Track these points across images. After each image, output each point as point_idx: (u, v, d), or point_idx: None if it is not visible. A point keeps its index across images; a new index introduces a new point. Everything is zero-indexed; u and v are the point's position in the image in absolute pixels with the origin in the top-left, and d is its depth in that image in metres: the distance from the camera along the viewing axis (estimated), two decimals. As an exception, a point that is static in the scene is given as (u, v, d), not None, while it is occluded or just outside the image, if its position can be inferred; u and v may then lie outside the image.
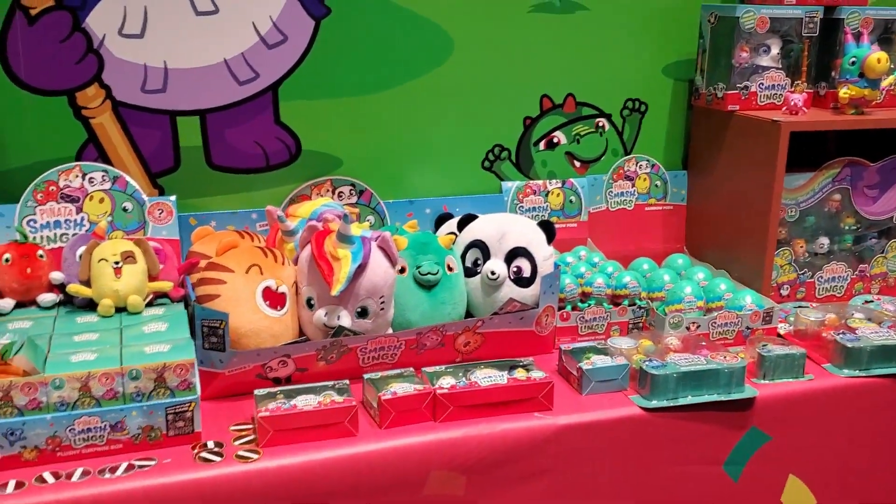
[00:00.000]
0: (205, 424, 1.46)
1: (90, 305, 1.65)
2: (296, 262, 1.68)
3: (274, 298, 1.61)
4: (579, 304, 1.87)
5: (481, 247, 1.79)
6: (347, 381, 1.55)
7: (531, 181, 2.16)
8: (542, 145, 2.18)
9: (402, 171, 2.08)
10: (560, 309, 1.81)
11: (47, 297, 1.67)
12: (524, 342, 1.75)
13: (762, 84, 2.04)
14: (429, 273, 1.70)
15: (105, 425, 1.37)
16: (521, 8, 2.06)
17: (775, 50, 2.05)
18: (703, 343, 1.72)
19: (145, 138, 1.88)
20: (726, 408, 1.61)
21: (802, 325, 1.86)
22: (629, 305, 1.85)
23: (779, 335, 1.85)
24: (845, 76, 1.98)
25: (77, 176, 1.80)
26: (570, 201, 2.18)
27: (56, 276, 1.68)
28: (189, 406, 1.42)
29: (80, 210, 1.80)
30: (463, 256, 1.80)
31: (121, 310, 1.63)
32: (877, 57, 1.94)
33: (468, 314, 1.79)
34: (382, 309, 1.65)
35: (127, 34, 1.81)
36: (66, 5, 1.76)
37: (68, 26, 1.77)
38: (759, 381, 1.69)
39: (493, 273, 1.75)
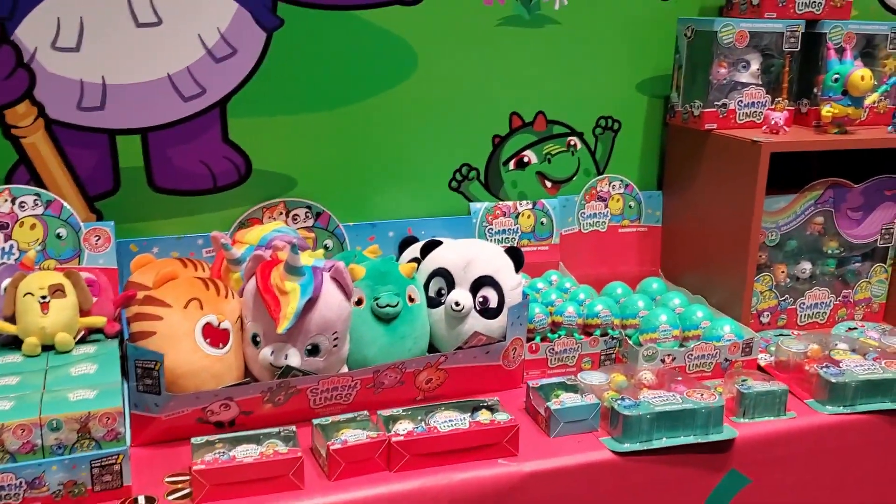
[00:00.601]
0: (137, 476, 1.37)
1: (15, 343, 1.53)
2: (242, 294, 1.56)
3: (215, 335, 1.51)
4: (549, 335, 1.80)
5: (445, 275, 1.71)
6: (294, 428, 1.46)
7: (501, 202, 2.10)
8: (511, 165, 2.12)
9: (364, 191, 2.00)
10: (529, 340, 1.75)
11: (-33, 335, 1.55)
12: (491, 377, 1.68)
13: (741, 101, 1.98)
14: (388, 305, 1.62)
15: (20, 482, 1.26)
16: (489, 21, 1.99)
17: (755, 66, 2.00)
18: (679, 378, 1.67)
19: (82, 159, 1.78)
20: (704, 450, 1.55)
21: (784, 355, 1.81)
22: (601, 336, 1.80)
23: (759, 367, 1.81)
24: (828, 93, 1.93)
25: (6, 200, 1.69)
26: (542, 223, 2.11)
27: (-23, 311, 1.56)
28: (117, 458, 1.32)
29: (8, 237, 1.69)
30: (426, 286, 1.72)
31: (49, 348, 1.52)
32: (860, 74, 1.89)
33: (431, 348, 1.71)
34: (336, 346, 1.55)
35: (61, 47, 1.71)
36: (-7, 16, 1.65)
37: (-5, 39, 1.67)
38: (738, 420, 1.63)
39: (457, 304, 1.67)
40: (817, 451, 1.64)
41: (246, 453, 1.35)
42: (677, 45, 2.04)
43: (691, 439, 1.53)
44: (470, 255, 1.70)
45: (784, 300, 2.03)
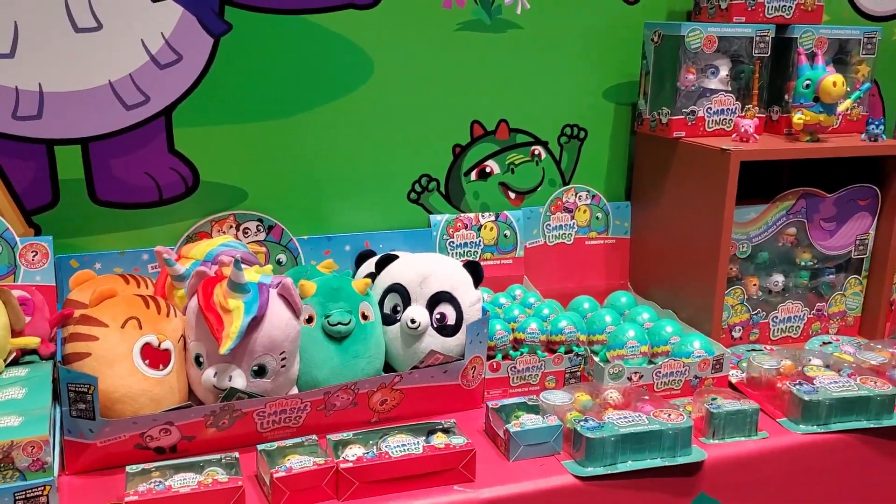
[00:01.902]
0: None
1: (-58, 366, 1.44)
2: (185, 312, 1.48)
3: (155, 356, 1.44)
4: (511, 352, 1.73)
5: (401, 291, 1.64)
6: (237, 454, 1.38)
7: (462, 214, 2.04)
8: (473, 175, 2.06)
9: (318, 203, 1.93)
10: (490, 358, 1.69)
11: None
12: (449, 398, 1.62)
13: (710, 108, 1.94)
14: (339, 323, 1.55)
15: None
16: (448, 26, 1.93)
17: (724, 72, 1.96)
18: (646, 396, 1.61)
19: (18, 171, 1.71)
20: (672, 473, 1.50)
21: (756, 372, 1.76)
22: (566, 353, 1.73)
23: (730, 384, 1.76)
24: (799, 100, 1.89)
25: (-64, 214, 1.60)
26: (505, 235, 2.05)
27: None
28: (43, 490, 1.25)
29: (-62, 253, 1.60)
30: (381, 302, 1.66)
31: (-23, 371, 1.43)
32: (832, 80, 1.84)
33: (387, 367, 1.65)
34: (284, 366, 1.48)
35: (-6, 53, 1.63)
36: (-80, 20, 1.57)
37: (-77, 44, 1.59)
38: (707, 441, 1.57)
39: (413, 321, 1.60)
40: (791, 472, 1.59)
41: (183, 482, 1.28)
42: (644, 51, 2.00)
43: (658, 462, 1.47)
44: (427, 271, 1.64)
45: (756, 314, 1.99)
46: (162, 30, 1.71)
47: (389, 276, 1.66)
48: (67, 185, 1.74)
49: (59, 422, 1.38)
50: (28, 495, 1.23)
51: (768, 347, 1.95)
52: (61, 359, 1.43)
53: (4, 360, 1.45)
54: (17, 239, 1.65)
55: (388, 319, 1.63)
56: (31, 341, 1.49)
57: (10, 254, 1.64)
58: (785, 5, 1.94)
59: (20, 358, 1.50)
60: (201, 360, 1.45)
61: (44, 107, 1.68)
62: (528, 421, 1.49)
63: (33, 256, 1.65)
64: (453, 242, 2.01)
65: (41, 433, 1.24)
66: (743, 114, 1.95)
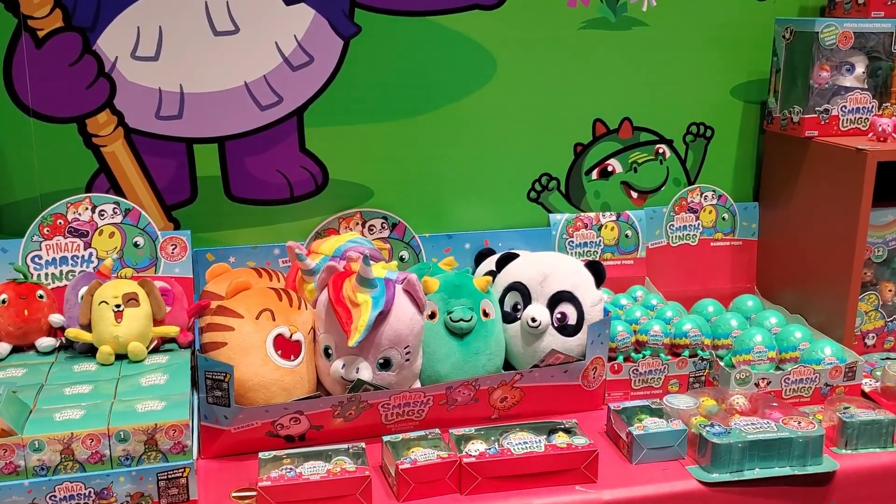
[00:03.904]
0: (204, 490, 1.36)
1: (91, 351, 1.54)
2: (315, 305, 1.53)
3: (287, 347, 1.49)
4: (633, 354, 1.71)
5: (521, 290, 1.65)
6: (363, 445, 1.42)
7: (582, 214, 2.02)
8: (594, 174, 2.04)
9: (440, 202, 1.96)
10: (611, 360, 1.67)
11: (46, 342, 1.58)
12: (569, 398, 1.62)
13: (845, 107, 1.88)
14: (461, 319, 1.57)
15: (90, 492, 1.27)
16: (572, 24, 1.93)
17: (860, 69, 1.89)
18: (775, 403, 1.57)
19: (160, 168, 1.79)
20: (801, 482, 1.46)
21: (891, 381, 1.69)
22: (690, 357, 1.70)
23: (863, 394, 1.70)
24: None
25: (87, 208, 1.71)
26: (626, 236, 2.02)
27: (56, 318, 1.59)
28: (183, 472, 1.31)
29: (88, 245, 1.70)
30: (501, 300, 1.67)
31: (123, 357, 1.53)
32: None
33: (507, 365, 1.66)
34: (408, 360, 1.51)
35: (141, 56, 1.72)
36: (76, 26, 1.68)
37: (78, 49, 1.68)
38: (839, 451, 1.52)
39: (533, 320, 1.61)
40: (929, 486, 1.52)
41: (313, 470, 1.32)
42: (775, 48, 1.94)
43: (787, 471, 1.44)
44: (547, 269, 1.64)
45: (892, 321, 1.92)
46: (295, 32, 1.77)
47: (510, 274, 1.67)
48: (205, 182, 1.81)
49: (196, 408, 1.44)
50: (170, 476, 1.29)
51: (904, 356, 1.87)
52: (199, 347, 1.49)
53: (147, 348, 1.53)
54: (159, 233, 1.73)
55: (509, 318, 1.64)
56: (171, 330, 1.57)
57: (151, 247, 1.72)
58: (928, -2, 1.86)
59: (160, 346, 1.57)
60: (330, 351, 1.49)
61: (184, 107, 1.75)
62: (652, 424, 1.48)
63: (173, 249, 1.73)
64: (573, 242, 2.00)
65: (182, 417, 1.30)
66: (880, 112, 1.88)
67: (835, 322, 1.83)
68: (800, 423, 1.47)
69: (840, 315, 1.82)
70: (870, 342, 1.91)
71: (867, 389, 1.70)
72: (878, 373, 1.74)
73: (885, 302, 1.90)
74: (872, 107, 1.88)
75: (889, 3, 1.84)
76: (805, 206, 1.92)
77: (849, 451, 1.51)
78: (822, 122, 1.87)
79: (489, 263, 1.78)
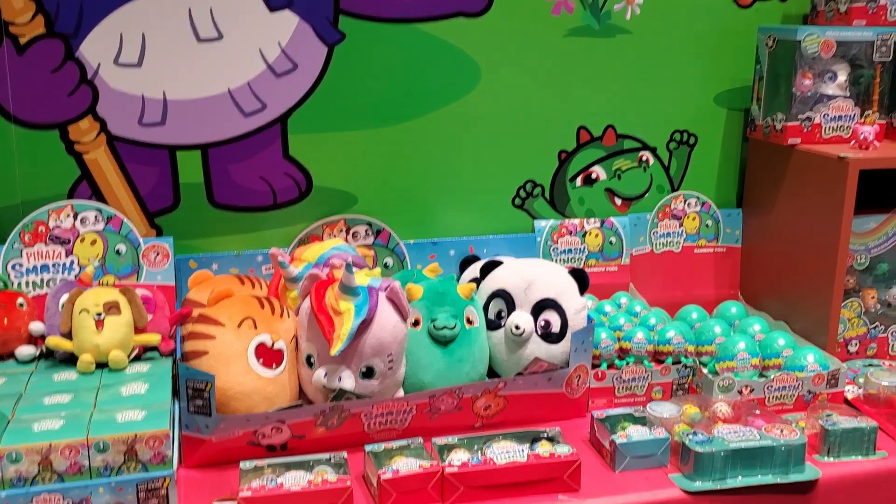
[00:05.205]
0: (184, 500, 1.35)
1: (72, 360, 1.52)
2: (298, 313, 1.53)
3: (269, 356, 1.48)
4: (616, 361, 1.72)
5: (505, 297, 1.65)
6: (345, 455, 1.41)
7: (567, 220, 2.02)
8: (579, 181, 2.04)
9: (424, 208, 1.95)
10: (594, 367, 1.67)
11: (25, 351, 1.56)
12: (553, 406, 1.61)
13: (827, 115, 1.89)
14: (445, 327, 1.57)
15: (68, 503, 1.25)
16: (556, 32, 1.93)
17: (842, 77, 1.90)
18: (758, 411, 1.57)
19: (142, 175, 1.78)
20: (783, 490, 1.46)
21: (874, 388, 1.71)
22: (673, 364, 1.70)
23: (846, 401, 1.70)
24: None
25: (68, 215, 1.70)
26: (610, 242, 2.03)
27: (36, 326, 1.57)
28: (163, 482, 1.29)
29: (69, 252, 1.70)
30: (485, 308, 1.66)
31: (104, 365, 1.51)
32: None
33: (491, 372, 1.65)
34: (391, 368, 1.50)
35: (123, 63, 1.71)
36: (58, 32, 1.66)
37: (60, 55, 1.67)
38: (822, 459, 1.53)
39: (517, 327, 1.60)
40: (911, 494, 1.52)
41: (294, 481, 1.31)
42: (758, 55, 1.95)
43: (770, 479, 1.44)
44: (531, 276, 1.64)
45: (874, 328, 1.92)
46: (279, 39, 1.76)
47: (494, 281, 1.67)
48: (188, 189, 1.80)
49: (177, 417, 1.43)
50: (150, 486, 1.27)
51: (887, 363, 1.88)
52: (180, 356, 1.48)
53: (128, 356, 1.52)
54: (141, 240, 1.72)
55: (493, 325, 1.64)
56: (152, 338, 1.55)
57: (133, 254, 1.71)
58: (908, 7, 1.87)
59: (142, 354, 1.56)
60: (312, 360, 1.48)
61: (167, 114, 1.74)
62: (635, 432, 1.47)
63: (155, 257, 1.72)
64: (557, 248, 2.00)
65: (162, 427, 1.29)
66: (862, 120, 1.89)
67: (818, 329, 1.83)
68: (782, 431, 1.47)
69: (823, 322, 1.82)
70: (853, 349, 1.91)
71: (850, 397, 1.71)
72: (861, 380, 1.75)
73: (867, 309, 1.91)
74: (855, 115, 1.89)
75: (871, 11, 1.85)
76: (788, 213, 1.93)
77: (831, 459, 1.51)
78: (805, 130, 1.87)
79: (473, 271, 1.78)
